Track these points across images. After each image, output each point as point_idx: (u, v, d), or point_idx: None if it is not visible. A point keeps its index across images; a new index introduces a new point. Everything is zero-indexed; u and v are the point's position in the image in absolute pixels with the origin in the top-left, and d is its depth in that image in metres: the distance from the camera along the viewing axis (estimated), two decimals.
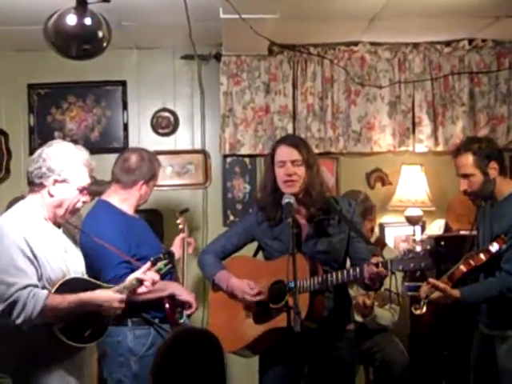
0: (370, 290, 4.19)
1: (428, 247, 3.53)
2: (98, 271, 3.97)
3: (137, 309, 4.07)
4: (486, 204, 4.26)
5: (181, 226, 5.13)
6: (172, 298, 4.33)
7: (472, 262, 4.01)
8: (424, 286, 4.05)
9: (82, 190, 3.58)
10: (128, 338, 4.22)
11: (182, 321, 4.38)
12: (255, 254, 4.27)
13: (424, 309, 4.05)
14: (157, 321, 4.29)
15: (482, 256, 4.00)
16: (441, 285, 3.97)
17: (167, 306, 4.30)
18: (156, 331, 4.27)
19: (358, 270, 3.67)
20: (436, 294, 4.00)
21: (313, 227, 3.95)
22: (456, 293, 3.98)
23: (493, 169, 4.05)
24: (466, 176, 4.08)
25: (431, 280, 4.02)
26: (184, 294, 4.40)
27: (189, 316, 4.49)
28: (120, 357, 4.22)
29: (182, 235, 4.97)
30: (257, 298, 3.96)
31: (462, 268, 4.02)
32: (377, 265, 3.57)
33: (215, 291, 4.22)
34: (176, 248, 4.83)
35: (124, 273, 4.04)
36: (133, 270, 4.00)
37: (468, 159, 4.06)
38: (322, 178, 4.04)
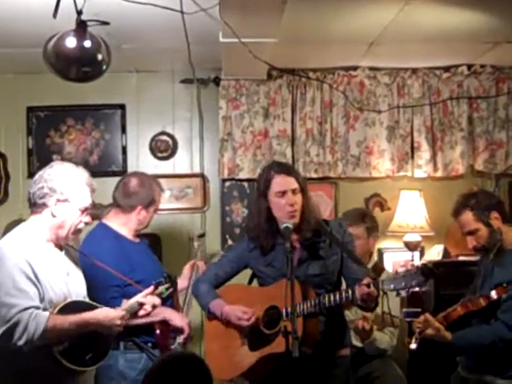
0: (365, 311, 4.16)
1: (419, 265, 3.50)
2: (92, 292, 3.94)
3: (128, 333, 4.04)
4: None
5: (195, 251, 5.11)
6: (165, 323, 4.31)
7: (470, 306, 4.02)
8: (419, 320, 4.08)
9: (83, 211, 3.59)
10: (119, 362, 4.21)
11: (173, 346, 4.35)
12: (250, 282, 4.25)
13: (415, 344, 4.06)
14: (149, 345, 4.27)
15: (481, 301, 3.99)
16: (436, 324, 4.01)
17: (158, 331, 4.28)
18: (147, 356, 4.24)
19: (350, 291, 3.65)
20: (429, 331, 4.02)
21: (305, 251, 3.93)
22: (448, 335, 4.00)
23: (495, 219, 4.02)
24: (471, 233, 4.07)
25: (427, 316, 4.06)
26: (176, 319, 4.37)
27: (185, 343, 4.46)
28: (111, 381, 4.20)
29: (191, 262, 4.92)
30: (251, 320, 3.92)
31: (459, 310, 4.04)
32: (368, 285, 3.55)
33: (210, 320, 4.18)
34: (185, 276, 4.79)
35: (112, 296, 4.07)
36: (124, 295, 4.00)
37: (468, 216, 4.05)
38: (314, 201, 4.04)
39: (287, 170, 3.98)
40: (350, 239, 4.07)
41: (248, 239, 4.11)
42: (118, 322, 3.56)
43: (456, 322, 4.06)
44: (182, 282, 4.73)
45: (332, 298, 3.71)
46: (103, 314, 3.54)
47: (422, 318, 4.10)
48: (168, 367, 2.73)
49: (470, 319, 4.12)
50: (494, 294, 3.95)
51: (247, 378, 4.07)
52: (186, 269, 4.85)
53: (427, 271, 3.47)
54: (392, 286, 3.52)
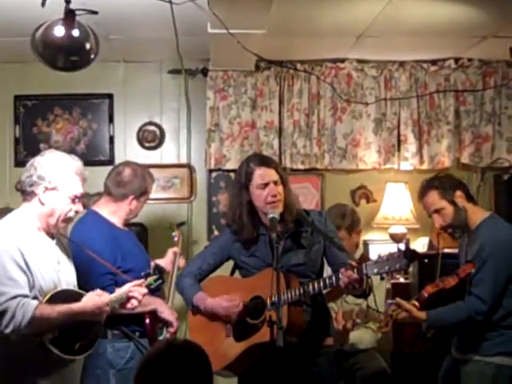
0: (359, 297, 4.16)
1: (403, 248, 3.52)
2: (83, 280, 3.93)
3: (117, 321, 4.05)
4: (463, 236, 4.34)
5: (176, 239, 5.11)
6: (154, 313, 4.31)
7: (440, 284, 4.08)
8: (392, 306, 4.16)
9: (73, 199, 3.57)
10: (107, 351, 4.20)
11: (160, 337, 4.36)
12: (232, 273, 4.26)
13: (388, 327, 4.19)
14: (137, 334, 4.27)
15: (450, 279, 4.06)
16: (406, 305, 4.06)
17: (147, 321, 4.28)
18: (135, 345, 4.25)
19: (333, 277, 3.67)
20: (402, 315, 4.08)
21: (288, 241, 3.96)
22: (422, 315, 4.05)
23: (459, 197, 4.14)
24: (437, 211, 4.17)
25: (398, 300, 4.12)
26: (166, 312, 4.37)
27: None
28: (98, 369, 4.18)
29: (175, 248, 4.94)
30: (240, 307, 3.94)
31: (429, 289, 4.09)
32: (353, 266, 3.56)
33: (194, 314, 4.19)
34: (168, 260, 4.80)
35: (107, 284, 4.03)
36: (116, 282, 4.00)
37: (433, 196, 4.18)
38: (294, 192, 4.09)
39: (267, 162, 4.01)
40: (332, 228, 4.11)
41: (230, 232, 4.13)
42: (107, 308, 3.57)
43: (432, 303, 4.09)
44: (166, 266, 4.74)
45: (316, 285, 3.74)
46: (91, 303, 3.53)
47: (394, 302, 4.18)
48: (169, 354, 2.71)
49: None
50: (463, 271, 4.04)
51: (233, 370, 4.05)
52: (170, 252, 4.85)
53: (410, 254, 3.49)
54: (376, 270, 3.53)
